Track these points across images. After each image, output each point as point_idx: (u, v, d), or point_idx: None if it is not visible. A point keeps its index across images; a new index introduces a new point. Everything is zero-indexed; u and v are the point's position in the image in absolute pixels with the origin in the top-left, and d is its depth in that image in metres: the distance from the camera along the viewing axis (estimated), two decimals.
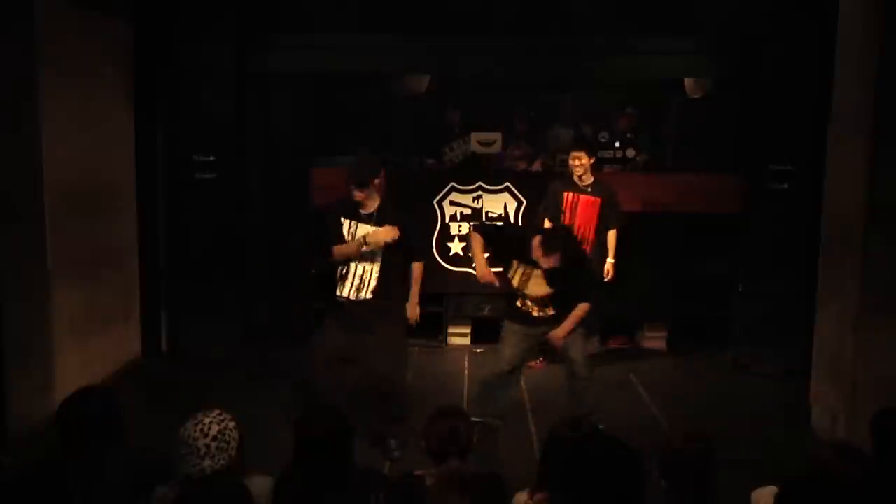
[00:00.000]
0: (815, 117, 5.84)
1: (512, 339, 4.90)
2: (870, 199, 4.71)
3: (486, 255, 4.91)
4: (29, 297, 5.04)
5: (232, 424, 2.69)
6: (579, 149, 6.03)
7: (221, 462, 2.61)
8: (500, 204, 6.87)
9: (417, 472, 2.94)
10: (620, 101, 8.04)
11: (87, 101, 5.72)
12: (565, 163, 6.22)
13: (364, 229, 4.69)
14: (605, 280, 6.11)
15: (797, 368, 5.96)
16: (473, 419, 4.83)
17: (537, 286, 4.75)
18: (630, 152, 7.45)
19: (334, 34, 6.64)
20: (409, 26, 6.57)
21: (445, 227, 6.88)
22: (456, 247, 6.90)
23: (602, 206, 6.01)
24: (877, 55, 4.65)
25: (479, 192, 6.87)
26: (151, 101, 6.50)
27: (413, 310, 4.86)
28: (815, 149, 5.77)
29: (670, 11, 6.47)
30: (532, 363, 6.10)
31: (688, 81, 7.47)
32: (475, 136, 7.44)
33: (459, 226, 6.89)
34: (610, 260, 6.11)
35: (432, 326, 6.97)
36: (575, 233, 5.80)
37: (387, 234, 4.62)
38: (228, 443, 2.65)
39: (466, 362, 6.69)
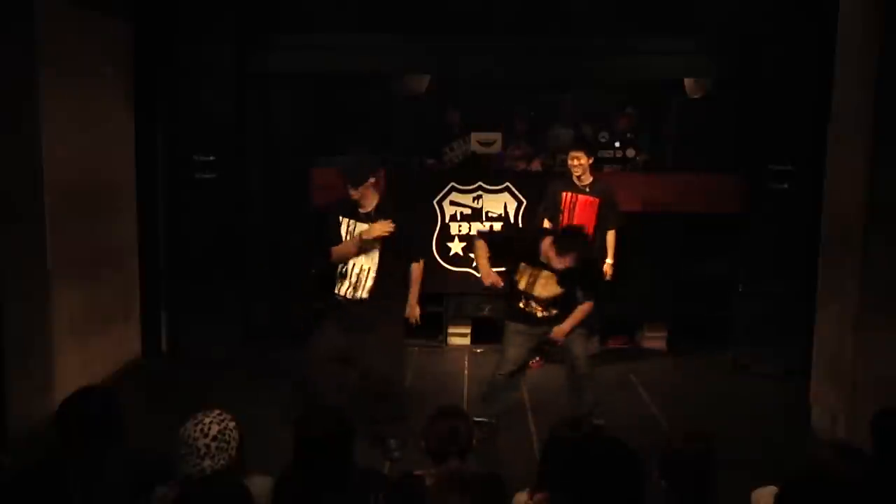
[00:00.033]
0: (815, 117, 5.84)
1: (516, 339, 4.91)
2: (870, 199, 4.71)
3: (489, 256, 4.92)
4: (29, 297, 5.04)
5: (232, 424, 2.69)
6: (578, 149, 6.03)
7: (221, 462, 2.61)
8: (500, 204, 6.87)
9: (417, 472, 2.94)
10: (620, 101, 8.03)
11: (87, 101, 5.72)
12: (565, 163, 6.22)
13: (362, 228, 4.70)
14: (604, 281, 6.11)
15: (797, 368, 5.96)
16: (478, 419, 4.89)
17: (545, 287, 4.76)
18: (630, 152, 7.45)
19: (334, 34, 6.64)
20: (409, 26, 6.57)
21: (445, 227, 6.88)
22: (456, 247, 6.90)
23: (600, 207, 6.01)
24: (877, 55, 4.65)
25: (479, 192, 6.87)
26: (151, 101, 6.50)
27: (413, 310, 4.86)
28: (815, 149, 5.77)
29: (670, 11, 6.47)
30: (530, 363, 6.09)
31: (688, 81, 7.47)
32: (475, 136, 7.44)
33: (459, 226, 6.89)
34: (609, 261, 6.10)
35: (432, 326, 6.97)
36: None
37: (381, 228, 4.61)
38: (228, 443, 2.65)
39: (466, 362, 6.70)
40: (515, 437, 5.04)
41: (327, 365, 4.75)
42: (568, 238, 4.65)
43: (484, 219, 6.87)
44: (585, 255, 4.69)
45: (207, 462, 2.59)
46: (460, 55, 6.84)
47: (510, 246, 4.97)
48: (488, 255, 4.88)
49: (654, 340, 7.04)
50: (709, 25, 6.59)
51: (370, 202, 4.72)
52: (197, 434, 2.62)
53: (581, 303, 4.84)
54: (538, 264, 4.71)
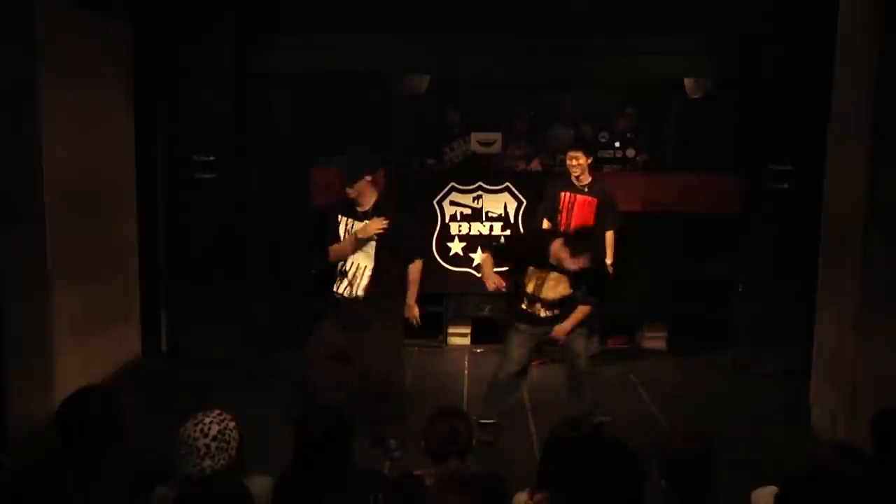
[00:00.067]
0: (815, 117, 5.84)
1: (519, 340, 4.92)
2: (870, 199, 4.71)
3: (494, 262, 4.94)
4: (29, 297, 5.04)
5: (232, 424, 2.69)
6: (577, 149, 6.02)
7: (221, 462, 2.61)
8: (500, 204, 6.87)
9: (417, 472, 2.94)
10: (620, 101, 8.03)
11: (87, 101, 5.72)
12: (564, 163, 6.22)
13: (357, 226, 4.71)
14: None
15: (797, 368, 5.96)
16: (483, 421, 4.90)
17: (552, 289, 4.77)
18: (630, 152, 7.45)
19: (334, 34, 6.64)
20: (409, 26, 6.57)
21: (445, 227, 6.88)
22: (456, 247, 6.90)
23: (598, 207, 5.99)
24: (877, 55, 4.65)
25: (479, 192, 6.87)
26: (151, 101, 6.50)
27: (412, 310, 4.85)
28: (815, 149, 5.77)
29: (670, 11, 6.47)
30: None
31: (688, 81, 7.47)
32: (475, 136, 7.44)
33: (459, 226, 6.89)
34: (608, 261, 6.10)
35: (432, 326, 6.97)
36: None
37: (375, 225, 4.61)
38: (228, 443, 2.65)
39: (466, 362, 6.70)
40: (515, 437, 5.04)
41: (326, 363, 4.76)
42: (581, 239, 4.66)
43: (484, 219, 6.87)
44: (597, 255, 4.70)
45: (207, 462, 2.59)
46: (460, 55, 6.84)
47: (516, 250, 4.96)
48: (493, 262, 4.91)
49: (654, 340, 7.04)
50: (709, 25, 6.59)
51: (368, 201, 4.72)
52: (197, 434, 2.62)
53: (582, 302, 4.84)
54: (546, 266, 4.70)
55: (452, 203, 6.88)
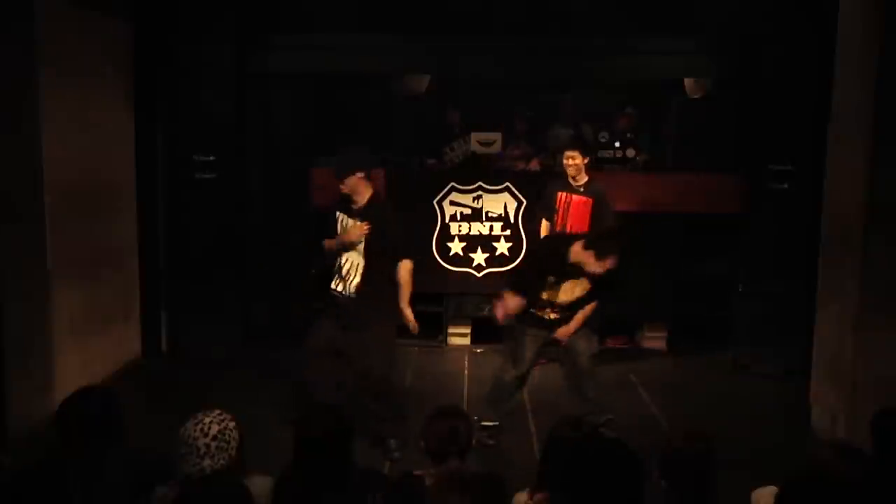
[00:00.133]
0: (815, 117, 5.84)
1: (526, 342, 4.89)
2: (870, 199, 4.71)
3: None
4: (29, 297, 5.04)
5: (232, 424, 2.69)
6: (573, 148, 5.98)
7: (221, 462, 2.61)
8: (500, 204, 6.86)
9: (417, 472, 2.94)
10: (620, 101, 8.03)
11: (87, 101, 5.72)
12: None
13: (352, 223, 4.74)
14: None
15: (797, 368, 5.96)
16: (486, 423, 4.89)
17: (567, 292, 4.76)
18: (630, 152, 7.44)
19: (334, 34, 6.64)
20: (409, 26, 6.57)
21: (445, 227, 6.88)
22: (456, 247, 6.90)
23: (594, 207, 5.96)
24: (877, 55, 4.65)
25: (479, 192, 6.87)
26: (151, 101, 6.50)
27: (405, 312, 4.76)
28: (815, 149, 5.77)
29: (670, 11, 6.47)
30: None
31: (688, 81, 7.47)
32: (475, 136, 7.44)
33: (459, 226, 6.88)
34: None
35: (432, 326, 6.98)
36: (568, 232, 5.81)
37: (355, 231, 4.67)
38: (228, 442, 2.65)
39: (466, 362, 6.69)
40: (516, 437, 5.04)
41: (324, 362, 4.78)
42: (605, 241, 4.64)
43: (484, 219, 6.87)
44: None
45: (207, 462, 2.60)
46: (460, 55, 6.84)
47: (532, 272, 4.88)
48: (517, 298, 4.74)
49: (654, 340, 7.04)
50: (709, 25, 6.58)
51: (361, 197, 4.74)
52: (197, 434, 2.62)
53: (587, 302, 4.84)
54: (566, 273, 4.69)
55: (452, 203, 6.88)
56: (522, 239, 6.83)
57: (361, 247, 4.71)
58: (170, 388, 5.94)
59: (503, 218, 6.87)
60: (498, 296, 4.84)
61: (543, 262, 4.83)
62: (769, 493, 2.75)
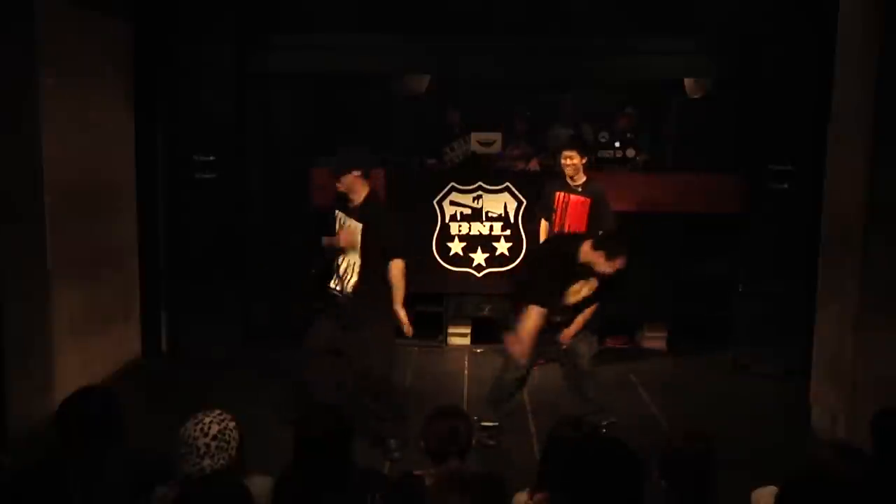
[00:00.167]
0: (815, 117, 5.84)
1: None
2: (870, 199, 4.71)
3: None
4: (29, 297, 5.04)
5: (232, 424, 2.69)
6: (571, 148, 5.94)
7: (221, 462, 2.61)
8: (500, 204, 6.86)
9: (417, 472, 2.94)
10: (620, 101, 8.03)
11: (87, 101, 5.72)
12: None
13: (350, 222, 4.75)
14: None
15: (797, 368, 5.96)
16: (486, 424, 4.89)
17: (576, 294, 4.76)
18: (630, 152, 7.44)
19: (334, 34, 6.64)
20: (409, 26, 6.57)
21: (445, 227, 6.88)
22: (456, 247, 6.90)
23: (592, 206, 5.94)
24: (877, 55, 4.65)
25: (479, 192, 6.87)
26: (151, 101, 6.50)
27: (398, 314, 4.72)
28: (815, 149, 5.77)
29: (670, 11, 6.47)
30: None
31: (688, 81, 7.47)
32: (475, 136, 7.44)
33: (459, 226, 6.88)
34: None
35: (432, 326, 6.98)
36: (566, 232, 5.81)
37: (343, 236, 4.72)
38: (228, 442, 2.65)
39: (466, 362, 6.69)
40: (516, 437, 5.03)
41: (324, 361, 4.78)
42: (614, 241, 4.63)
43: (484, 219, 6.87)
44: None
45: (207, 461, 2.60)
46: (460, 55, 6.84)
47: (552, 275, 4.77)
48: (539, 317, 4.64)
49: (654, 340, 7.04)
50: (709, 25, 6.58)
51: (358, 196, 4.75)
52: (197, 433, 2.62)
53: (590, 303, 4.84)
54: (576, 274, 4.68)
55: (452, 203, 6.87)
56: (522, 239, 6.83)
57: (358, 246, 4.71)
58: (170, 388, 5.94)
59: (503, 218, 6.87)
60: (510, 332, 4.72)
61: (555, 265, 4.78)
62: (769, 493, 2.75)
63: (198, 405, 2.81)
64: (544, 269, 4.79)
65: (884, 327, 4.73)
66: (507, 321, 4.98)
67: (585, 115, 8.36)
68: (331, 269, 4.89)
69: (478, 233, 6.88)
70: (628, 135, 7.59)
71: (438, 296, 6.96)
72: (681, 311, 6.97)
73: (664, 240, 6.90)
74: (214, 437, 2.62)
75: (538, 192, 6.36)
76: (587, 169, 6.01)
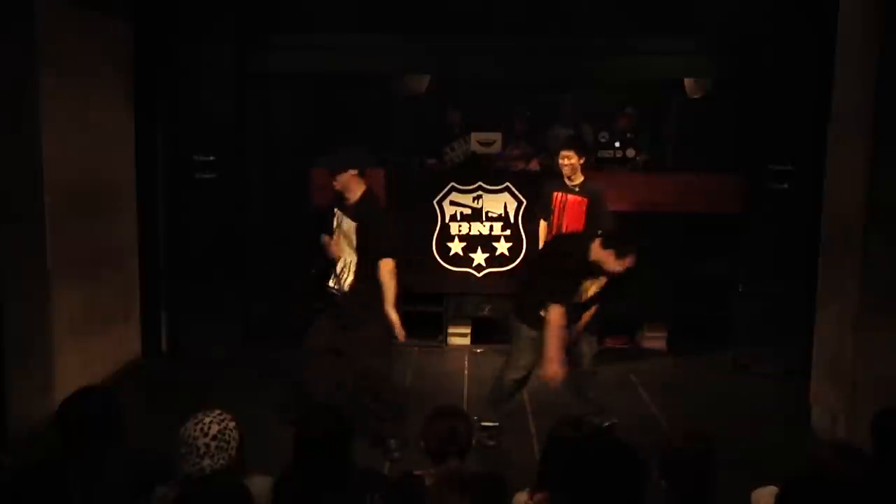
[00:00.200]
0: (815, 117, 5.84)
1: (531, 346, 4.85)
2: (870, 199, 4.71)
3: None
4: (29, 297, 5.04)
5: (232, 424, 2.69)
6: (568, 148, 5.87)
7: (221, 462, 2.61)
8: (500, 204, 6.86)
9: (417, 472, 2.94)
10: (620, 101, 8.03)
11: (87, 101, 5.72)
12: None
13: (346, 221, 4.76)
14: None
15: (797, 368, 5.96)
16: (486, 424, 4.89)
17: (585, 293, 4.76)
18: (630, 152, 7.43)
19: (334, 34, 6.64)
20: (409, 26, 6.57)
21: (445, 227, 6.88)
22: (456, 247, 6.90)
23: (589, 207, 5.91)
24: (877, 55, 4.65)
25: (479, 192, 6.87)
26: (151, 101, 6.50)
27: (390, 316, 4.64)
28: (815, 149, 5.77)
29: (670, 11, 6.47)
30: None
31: (688, 81, 7.47)
32: (475, 136, 7.44)
33: (459, 226, 6.88)
34: None
35: (432, 326, 6.98)
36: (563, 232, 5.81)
37: (333, 247, 4.79)
38: (228, 442, 2.65)
39: (466, 362, 6.69)
40: (516, 438, 5.03)
41: (324, 361, 4.78)
42: (624, 240, 4.63)
43: (484, 219, 6.87)
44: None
45: (207, 461, 2.60)
46: (460, 55, 6.85)
47: (568, 274, 4.74)
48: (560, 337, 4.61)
49: (654, 340, 7.04)
50: (709, 25, 6.59)
51: (353, 194, 4.76)
52: (197, 433, 2.62)
53: (593, 304, 4.84)
54: (589, 273, 4.68)
55: (452, 203, 6.87)
56: (522, 239, 6.83)
57: (354, 244, 4.72)
58: (170, 388, 5.94)
59: (503, 218, 6.87)
60: (550, 358, 4.61)
61: (567, 264, 4.75)
62: (769, 493, 2.75)
63: (198, 405, 2.81)
64: (555, 269, 4.76)
65: (884, 327, 4.73)
66: (508, 321, 4.98)
67: (585, 115, 8.36)
68: (330, 269, 4.90)
69: (478, 233, 6.88)
70: (628, 135, 7.58)
71: (438, 296, 6.96)
72: (681, 311, 6.97)
73: (664, 240, 6.90)
74: (214, 437, 2.62)
75: (538, 192, 6.36)
76: (586, 169, 5.98)
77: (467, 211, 6.87)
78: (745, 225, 6.58)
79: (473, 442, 3.23)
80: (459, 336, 7.10)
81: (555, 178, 6.16)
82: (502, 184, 6.86)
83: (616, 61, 6.90)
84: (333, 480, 2.78)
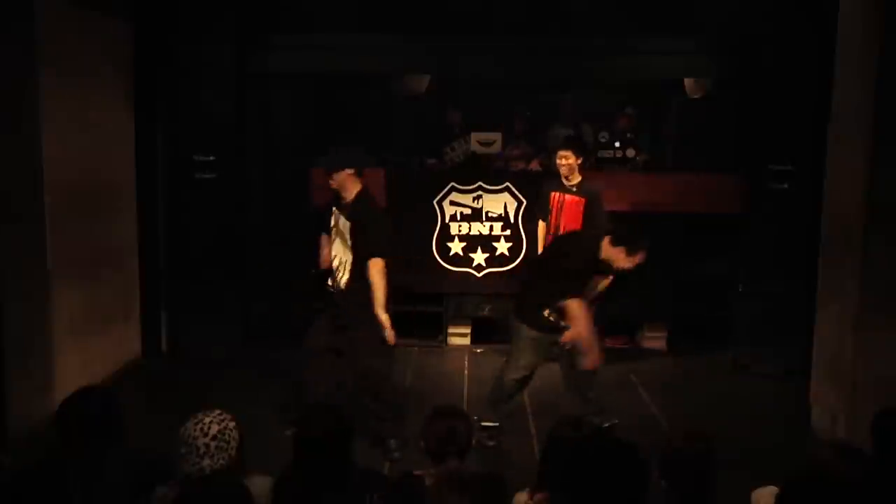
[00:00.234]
0: (815, 117, 5.84)
1: (532, 346, 4.86)
2: (870, 199, 4.71)
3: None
4: (29, 297, 5.04)
5: (232, 424, 2.70)
6: (566, 148, 5.89)
7: (221, 461, 2.61)
8: (500, 204, 6.86)
9: (417, 472, 2.94)
10: (620, 101, 8.03)
11: (87, 101, 5.72)
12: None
13: (341, 220, 4.78)
14: None
15: (797, 368, 5.96)
16: (486, 424, 4.89)
17: (592, 290, 4.75)
18: (630, 152, 7.42)
19: (334, 34, 6.64)
20: (409, 26, 6.57)
21: (445, 227, 6.88)
22: (456, 247, 6.90)
23: (586, 206, 5.92)
24: (877, 55, 4.65)
25: (479, 192, 6.86)
26: (151, 101, 6.50)
27: (380, 318, 4.59)
28: (815, 149, 5.77)
29: (670, 11, 6.47)
30: None
31: (688, 81, 7.47)
32: (475, 136, 7.43)
33: (459, 226, 6.88)
34: None
35: (432, 326, 6.98)
36: (560, 233, 5.81)
37: (324, 259, 4.86)
38: (228, 442, 2.65)
39: (466, 362, 6.69)
40: (516, 438, 5.03)
41: (324, 361, 4.79)
42: (633, 236, 4.63)
43: (484, 219, 6.87)
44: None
45: (207, 461, 2.60)
46: (460, 55, 6.85)
47: (585, 269, 4.75)
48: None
49: (654, 340, 7.04)
50: (709, 25, 6.59)
51: (349, 194, 4.77)
52: (197, 433, 2.62)
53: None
54: (599, 271, 4.67)
55: (452, 203, 6.87)
56: (522, 239, 6.83)
57: (349, 243, 4.72)
58: (170, 388, 5.94)
59: (503, 218, 6.87)
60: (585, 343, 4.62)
61: (571, 264, 4.74)
62: (769, 493, 2.76)
63: (198, 405, 2.81)
64: (557, 271, 4.75)
65: (884, 327, 4.73)
66: (508, 321, 4.98)
67: (585, 115, 8.35)
68: (329, 269, 4.90)
69: (478, 233, 6.88)
70: (628, 135, 7.58)
71: (438, 296, 6.96)
72: (681, 311, 6.97)
73: (664, 240, 6.88)
74: (214, 437, 2.62)
75: (538, 192, 6.36)
76: (584, 169, 5.99)
77: (467, 211, 6.87)
78: (745, 225, 6.58)
79: (473, 442, 3.23)
80: (459, 336, 7.10)
81: (553, 178, 6.17)
82: (502, 184, 6.86)
83: (616, 61, 6.90)
84: (333, 480, 2.78)
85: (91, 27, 5.79)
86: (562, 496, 2.60)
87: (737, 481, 3.07)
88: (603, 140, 7.53)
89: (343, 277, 4.76)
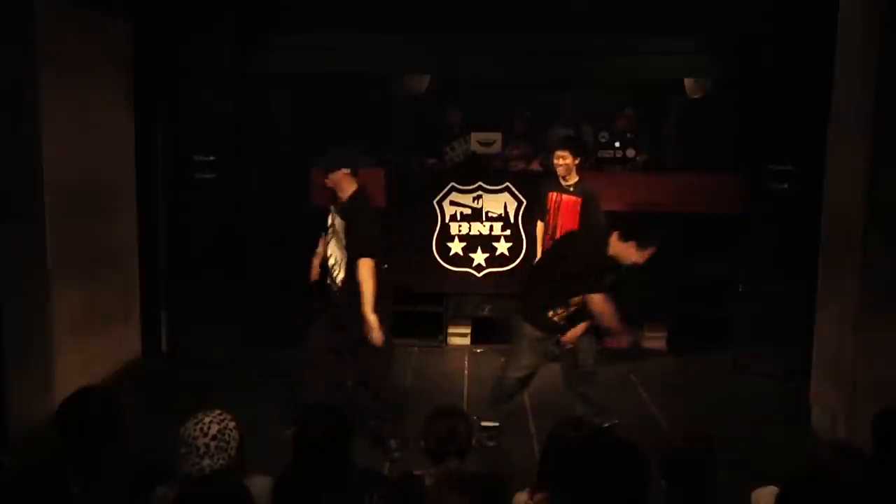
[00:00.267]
0: (815, 117, 5.84)
1: (533, 346, 4.85)
2: (870, 199, 4.71)
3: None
4: (29, 297, 5.04)
5: (232, 424, 2.70)
6: (563, 148, 5.89)
7: (221, 461, 2.61)
8: (500, 204, 6.86)
9: (417, 472, 2.94)
10: (620, 101, 8.03)
11: (87, 101, 5.72)
12: None
13: (337, 219, 4.79)
14: None
15: (797, 368, 5.96)
16: (487, 424, 4.88)
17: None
18: (630, 152, 7.43)
19: (334, 34, 6.64)
20: (409, 26, 6.57)
21: (445, 227, 6.88)
22: (456, 247, 6.89)
23: (583, 206, 5.91)
24: (877, 55, 4.65)
25: (479, 192, 6.87)
26: (151, 101, 6.51)
27: (367, 319, 4.55)
28: (815, 149, 5.77)
29: (670, 11, 6.47)
30: None
31: (688, 81, 7.47)
32: (475, 136, 7.43)
33: (459, 226, 6.88)
34: None
35: (432, 326, 6.98)
36: (558, 233, 5.80)
37: (314, 271, 4.93)
38: (228, 442, 2.65)
39: (466, 362, 6.69)
40: (516, 438, 5.03)
41: (324, 361, 4.78)
42: (644, 229, 4.65)
43: (484, 219, 6.87)
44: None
45: (207, 461, 2.60)
46: (460, 55, 6.85)
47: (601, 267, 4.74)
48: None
49: (654, 340, 7.04)
50: (709, 25, 6.59)
51: (344, 193, 4.78)
52: (197, 433, 2.62)
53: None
54: (605, 270, 4.66)
55: (452, 203, 6.87)
56: (522, 239, 6.83)
57: (344, 242, 4.73)
58: (170, 388, 5.94)
59: (503, 218, 6.86)
60: (614, 327, 4.77)
61: (571, 266, 4.74)
62: (769, 493, 2.75)
63: (198, 405, 2.81)
64: (567, 269, 4.75)
65: (884, 327, 4.73)
66: (510, 321, 4.98)
67: (585, 115, 8.35)
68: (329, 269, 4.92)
69: (478, 233, 6.88)
70: (628, 135, 7.58)
71: (438, 296, 6.96)
72: (681, 311, 6.97)
73: (664, 240, 6.86)
74: (214, 437, 2.62)
75: (536, 192, 6.36)
76: (582, 169, 5.98)
77: (467, 211, 6.87)
78: (745, 225, 6.58)
79: (473, 442, 3.23)
80: (459, 336, 7.10)
81: (552, 178, 6.17)
82: (502, 184, 6.86)
83: (616, 61, 6.90)
84: (333, 480, 2.78)
85: (91, 27, 5.79)
86: (562, 496, 2.59)
87: (737, 481, 3.07)
88: (603, 140, 7.53)
89: (338, 275, 4.77)
